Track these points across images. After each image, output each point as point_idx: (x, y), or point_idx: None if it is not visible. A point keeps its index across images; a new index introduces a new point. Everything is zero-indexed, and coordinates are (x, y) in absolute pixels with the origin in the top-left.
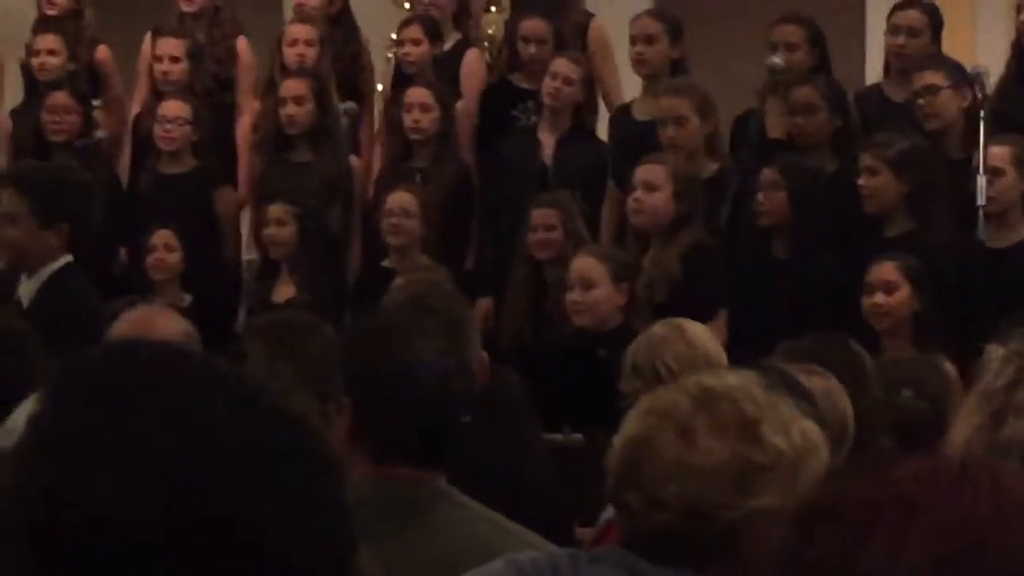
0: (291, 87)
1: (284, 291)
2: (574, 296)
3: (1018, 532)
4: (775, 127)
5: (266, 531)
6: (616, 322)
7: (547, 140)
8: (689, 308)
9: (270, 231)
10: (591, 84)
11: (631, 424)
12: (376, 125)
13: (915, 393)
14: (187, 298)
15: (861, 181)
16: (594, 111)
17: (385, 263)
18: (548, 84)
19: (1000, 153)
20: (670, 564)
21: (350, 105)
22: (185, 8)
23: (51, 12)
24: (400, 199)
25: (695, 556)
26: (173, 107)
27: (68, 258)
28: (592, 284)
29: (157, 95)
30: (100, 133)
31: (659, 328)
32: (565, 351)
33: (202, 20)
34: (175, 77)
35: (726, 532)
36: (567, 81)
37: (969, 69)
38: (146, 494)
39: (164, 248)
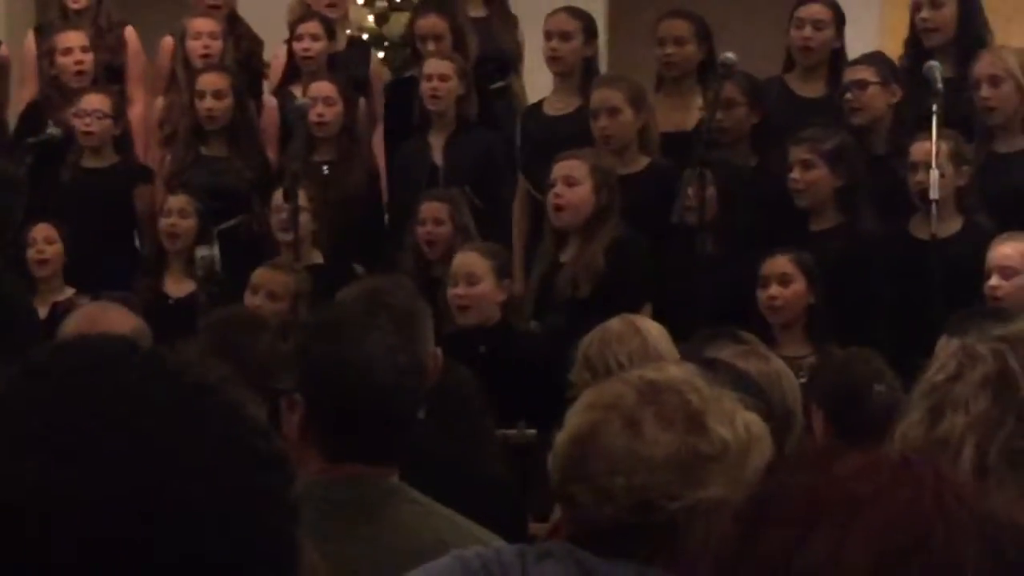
0: (210, 80)
1: (180, 287)
2: (458, 291)
3: (960, 527)
4: (664, 121)
5: (194, 522)
6: (496, 318)
7: (436, 141)
8: (613, 301)
9: (171, 221)
10: (468, 78)
11: (576, 417)
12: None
13: (887, 388)
14: (69, 291)
15: (794, 175)
16: (475, 106)
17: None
18: (424, 87)
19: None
20: (618, 557)
21: (304, 102)
22: (73, 4)
23: None
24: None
25: (642, 548)
26: (92, 100)
27: None
28: (476, 280)
29: (58, 89)
30: (52, 130)
31: (614, 324)
32: (444, 347)
33: (87, 14)
34: (88, 67)
35: (672, 524)
36: (442, 78)
37: (924, 66)
38: (65, 474)
39: (44, 241)
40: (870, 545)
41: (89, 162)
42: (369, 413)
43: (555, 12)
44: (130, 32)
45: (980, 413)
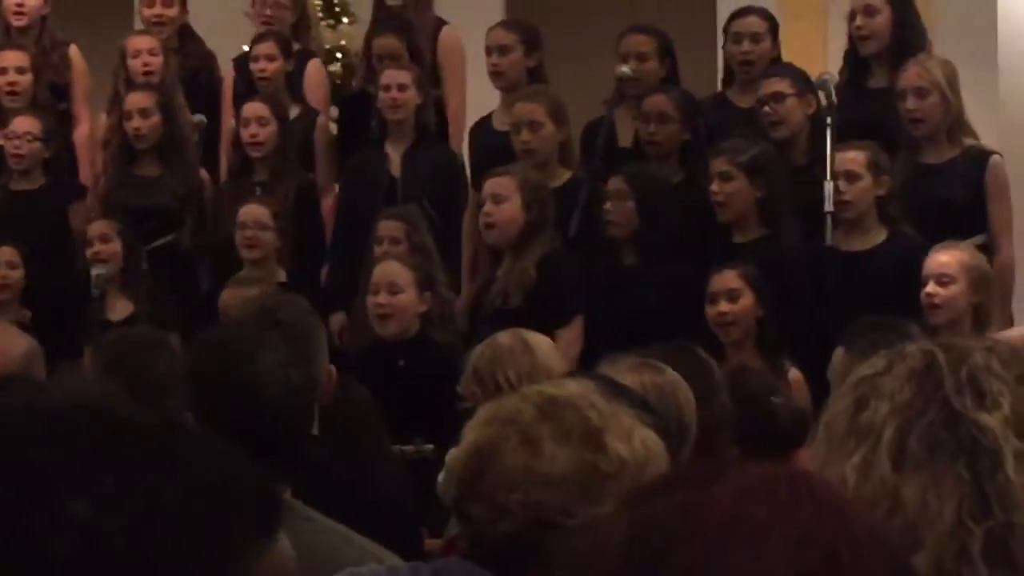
0: (136, 100)
1: (120, 308)
2: (379, 299)
3: (865, 543)
4: (625, 136)
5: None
6: (415, 330)
7: (393, 153)
8: (544, 314)
9: (95, 248)
10: (426, 87)
11: (473, 433)
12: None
13: (785, 399)
14: (27, 314)
15: (714, 187)
16: (433, 115)
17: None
18: (383, 98)
19: (856, 157)
20: (515, 574)
21: (199, 117)
22: (15, 22)
23: None
24: (253, 211)
25: (539, 566)
26: (23, 123)
27: None
28: (398, 289)
29: None
30: None
31: (505, 339)
32: (363, 359)
33: (30, 32)
34: (23, 87)
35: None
36: (400, 88)
37: (815, 77)
38: None
39: (6, 265)
40: (785, 565)
41: (19, 184)
42: (260, 431)
43: (493, 27)
44: (74, 51)
45: (904, 402)
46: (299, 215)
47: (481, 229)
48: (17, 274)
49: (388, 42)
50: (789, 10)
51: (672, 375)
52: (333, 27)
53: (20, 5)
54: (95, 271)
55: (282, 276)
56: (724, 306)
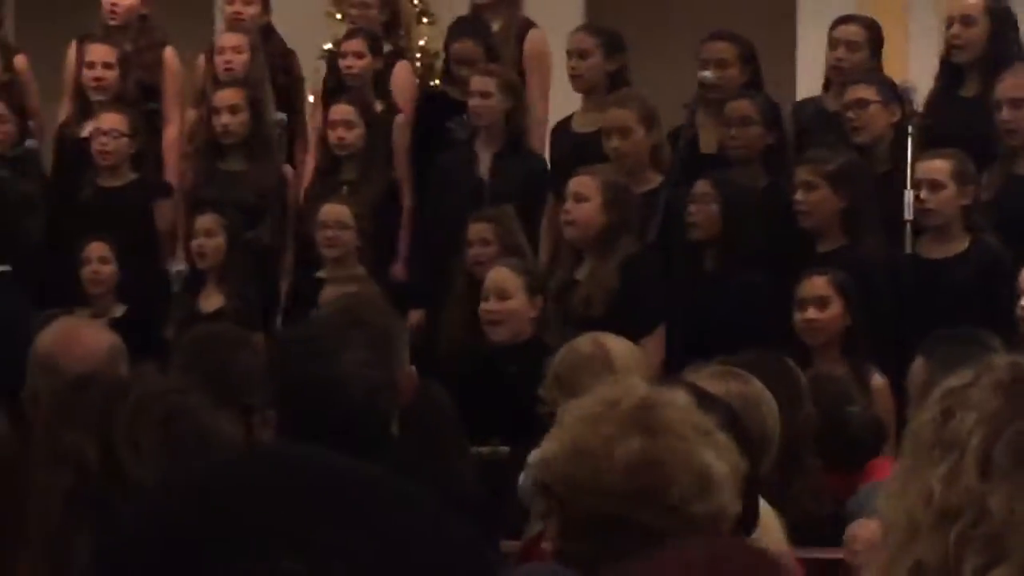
0: (225, 96)
1: (212, 301)
2: (489, 306)
3: None
4: (707, 142)
5: None
6: (527, 335)
7: (484, 155)
8: (627, 321)
9: (199, 242)
10: (516, 91)
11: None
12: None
13: (862, 408)
14: (120, 309)
15: (798, 196)
16: (524, 120)
17: (320, 274)
18: (471, 104)
19: (940, 166)
20: None
21: (279, 115)
22: (109, 21)
23: None
24: (335, 211)
25: None
26: (109, 119)
27: (4, 268)
28: (507, 295)
29: (84, 104)
30: (30, 143)
31: (585, 345)
32: (475, 364)
33: (128, 31)
34: (108, 83)
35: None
36: (485, 95)
37: (899, 84)
38: None
39: (98, 260)
40: None
41: (106, 181)
42: (340, 430)
43: (574, 31)
44: (169, 52)
45: (990, 412)
46: (384, 213)
47: (562, 226)
48: (109, 269)
49: (464, 46)
50: (868, 11)
51: (757, 385)
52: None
53: (115, 4)
54: (174, 268)
55: (362, 274)
56: (813, 312)
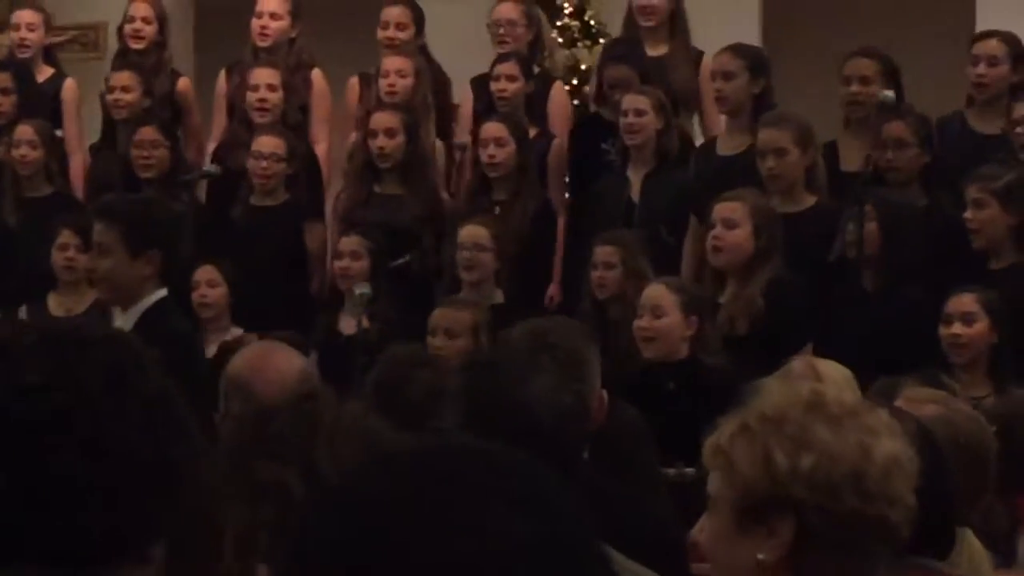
0: (381, 119)
1: (351, 324)
2: (643, 323)
3: None
4: (850, 160)
5: None
6: (683, 354)
7: (634, 177)
8: (773, 341)
9: (343, 263)
10: (666, 112)
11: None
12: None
13: None
14: (236, 331)
15: (968, 215)
16: (676, 140)
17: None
18: (623, 123)
19: None
20: None
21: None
22: (260, 43)
23: (137, 46)
24: (473, 232)
25: None
26: (268, 143)
27: (163, 292)
28: (662, 312)
29: (245, 125)
30: (212, 168)
31: (798, 366)
32: (632, 384)
33: (277, 53)
34: (271, 105)
35: None
36: (638, 113)
37: None
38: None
39: (206, 284)
40: None
41: (260, 200)
42: (531, 455)
43: (719, 52)
44: (317, 74)
45: None
46: (537, 234)
47: (708, 252)
48: (217, 292)
49: (619, 71)
50: None
51: (958, 404)
52: (590, 48)
53: (265, 27)
54: (359, 290)
55: (499, 298)
56: (958, 328)
